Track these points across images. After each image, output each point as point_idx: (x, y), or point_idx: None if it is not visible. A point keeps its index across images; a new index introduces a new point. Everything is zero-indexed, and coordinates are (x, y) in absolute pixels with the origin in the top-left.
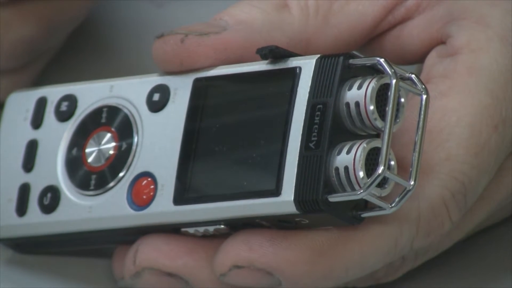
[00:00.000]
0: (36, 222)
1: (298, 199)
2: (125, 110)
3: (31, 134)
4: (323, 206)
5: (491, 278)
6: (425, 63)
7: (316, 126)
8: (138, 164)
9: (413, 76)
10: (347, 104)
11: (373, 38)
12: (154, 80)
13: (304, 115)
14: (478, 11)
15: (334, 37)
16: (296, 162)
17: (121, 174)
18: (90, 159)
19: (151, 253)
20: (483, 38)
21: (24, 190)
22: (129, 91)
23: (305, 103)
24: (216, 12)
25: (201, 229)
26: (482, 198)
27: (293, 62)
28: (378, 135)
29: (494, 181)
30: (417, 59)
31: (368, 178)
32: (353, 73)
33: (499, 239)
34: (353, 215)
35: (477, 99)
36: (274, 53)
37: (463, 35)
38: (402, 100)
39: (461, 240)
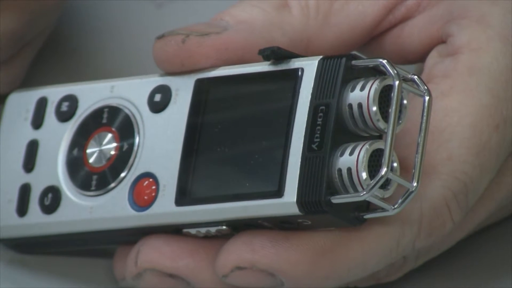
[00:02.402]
0: (37, 222)
1: (301, 201)
2: (126, 111)
3: (32, 134)
4: (325, 208)
5: (491, 278)
6: (426, 63)
7: (319, 127)
8: (139, 165)
9: (415, 77)
10: (350, 105)
11: (373, 37)
12: (155, 80)
13: (306, 116)
14: (479, 10)
15: (334, 37)
16: (299, 163)
17: (122, 175)
18: (91, 160)
19: (153, 254)
20: (484, 37)
21: (25, 191)
22: (130, 92)
23: (308, 104)
24: (217, 12)
25: (203, 230)
26: (483, 198)
27: (295, 63)
28: (380, 136)
29: (495, 181)
30: (418, 58)
31: (371, 180)
32: (355, 74)
33: (499, 239)
34: (356, 216)
35: (478, 99)
36: (276, 54)
37: (463, 35)
38: (405, 101)
39: (462, 240)
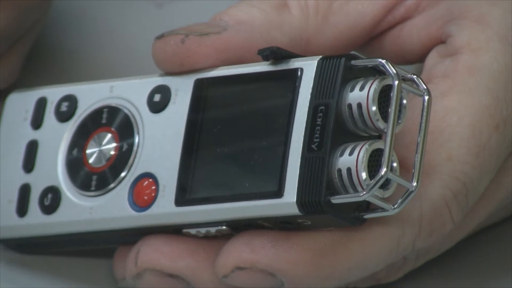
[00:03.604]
0: (37, 223)
1: (301, 201)
2: (126, 111)
3: (31, 134)
4: (325, 208)
5: (491, 278)
6: (425, 63)
7: (318, 127)
8: (139, 165)
9: (414, 77)
10: (349, 105)
11: (372, 37)
12: (154, 80)
13: (306, 116)
14: (478, 10)
15: (333, 37)
16: (299, 163)
17: (122, 175)
18: (91, 160)
19: (153, 254)
20: (483, 37)
21: (25, 191)
22: (129, 92)
23: (307, 105)
24: (216, 12)
25: (203, 230)
26: (483, 198)
27: (294, 63)
28: (380, 136)
29: (495, 181)
30: (417, 58)
31: (370, 180)
32: (355, 74)
33: (499, 239)
34: (355, 216)
35: (478, 99)
36: (276, 54)
37: (463, 35)
38: (404, 101)
39: (462, 240)
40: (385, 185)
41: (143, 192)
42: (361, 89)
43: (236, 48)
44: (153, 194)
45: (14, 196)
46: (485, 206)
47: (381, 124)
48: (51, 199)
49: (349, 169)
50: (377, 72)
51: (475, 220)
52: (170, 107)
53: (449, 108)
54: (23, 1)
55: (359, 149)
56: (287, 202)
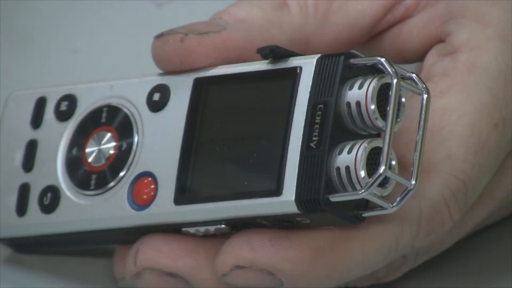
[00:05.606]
0: (36, 222)
1: (299, 199)
2: (125, 110)
3: (31, 134)
4: (324, 206)
5: (491, 277)
6: (425, 62)
7: (317, 125)
8: (138, 164)
9: (413, 75)
10: (348, 104)
11: (372, 36)
12: (154, 80)
13: (305, 115)
14: (478, 9)
15: (333, 36)
16: (297, 162)
17: (121, 174)
18: (90, 159)
19: (152, 253)
20: (483, 36)
21: (24, 190)
22: (129, 91)
23: (306, 103)
24: (216, 11)
25: (202, 229)
26: (482, 197)
27: (293, 62)
28: (379, 134)
29: (495, 180)
30: (417, 57)
31: (369, 178)
32: (353, 73)
33: (499, 239)
34: (354, 214)
35: (477, 98)
36: (275, 53)
37: (462, 34)
38: (403, 99)
39: (461, 239)
40: (384, 183)
41: (142, 191)
42: (360, 87)
43: (236, 47)
44: (152, 193)
45: (14, 196)
46: (484, 205)
47: (379, 123)
48: (51, 198)
49: (347, 167)
50: (376, 70)
51: (475, 219)
52: (170, 106)
53: (448, 106)
54: None
55: (357, 147)
56: (286, 200)
